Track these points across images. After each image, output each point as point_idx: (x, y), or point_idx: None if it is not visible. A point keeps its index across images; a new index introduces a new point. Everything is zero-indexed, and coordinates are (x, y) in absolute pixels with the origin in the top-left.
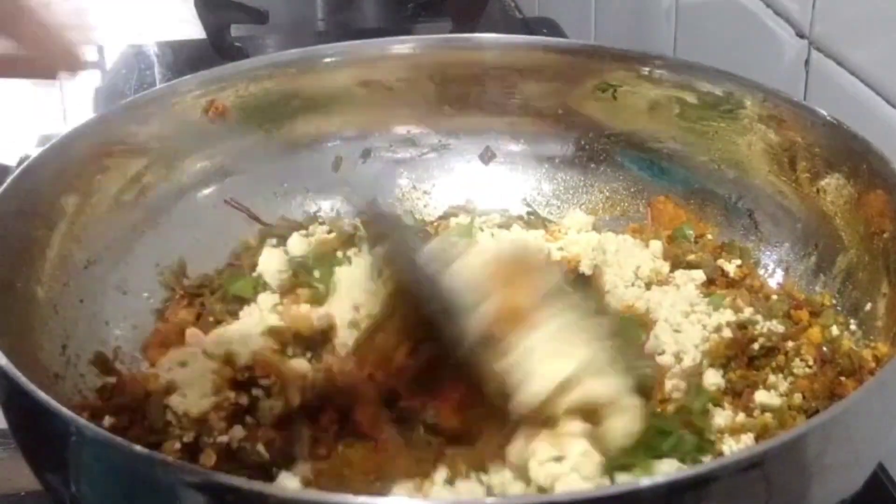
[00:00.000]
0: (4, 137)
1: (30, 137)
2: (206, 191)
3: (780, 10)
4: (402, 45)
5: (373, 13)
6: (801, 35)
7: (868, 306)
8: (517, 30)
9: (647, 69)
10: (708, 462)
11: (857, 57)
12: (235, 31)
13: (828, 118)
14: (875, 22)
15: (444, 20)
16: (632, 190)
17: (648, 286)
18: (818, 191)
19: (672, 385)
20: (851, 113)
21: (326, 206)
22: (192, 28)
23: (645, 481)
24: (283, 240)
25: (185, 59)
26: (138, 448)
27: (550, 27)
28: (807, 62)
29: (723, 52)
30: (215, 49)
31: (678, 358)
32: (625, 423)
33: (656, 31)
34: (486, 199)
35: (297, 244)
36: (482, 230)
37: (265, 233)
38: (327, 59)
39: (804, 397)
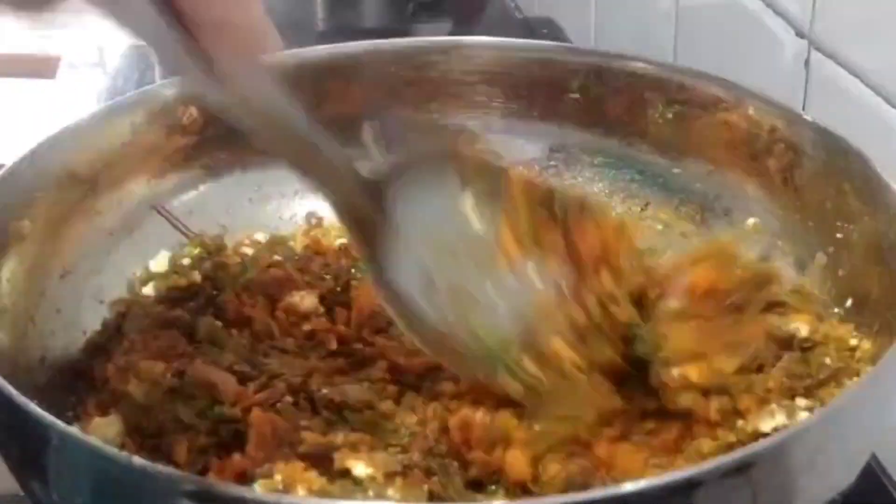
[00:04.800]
0: (4, 137)
1: (30, 137)
2: (183, 197)
3: (780, 10)
4: (383, 48)
5: (373, 13)
6: (801, 35)
7: (849, 302)
8: (517, 29)
9: (624, 70)
10: (692, 467)
11: (857, 57)
12: None
13: (805, 117)
14: (875, 22)
15: (444, 20)
16: (607, 192)
17: None
18: (796, 189)
19: None
20: (851, 113)
21: (301, 212)
22: None
23: (628, 486)
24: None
25: None
26: (120, 454)
27: (550, 27)
28: (807, 62)
29: (722, 52)
30: None
31: None
32: None
33: (656, 30)
34: None
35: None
36: None
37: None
38: (309, 62)
39: None
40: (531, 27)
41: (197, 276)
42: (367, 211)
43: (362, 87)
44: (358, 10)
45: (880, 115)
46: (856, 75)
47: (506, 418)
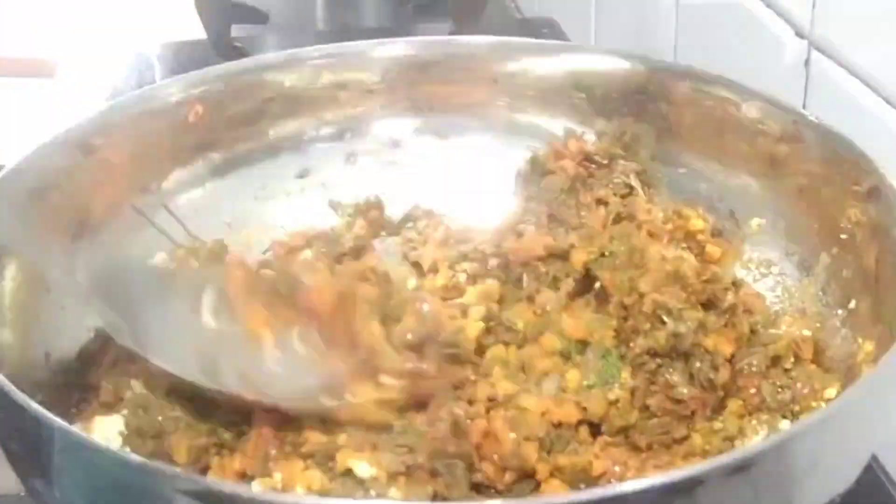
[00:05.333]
0: (4, 137)
1: (30, 137)
2: (187, 195)
3: (780, 10)
4: (387, 47)
5: (373, 13)
6: (801, 35)
7: (852, 304)
8: (517, 30)
9: (628, 69)
10: (695, 466)
11: (857, 57)
12: (235, 31)
13: (810, 117)
14: (875, 22)
15: (444, 20)
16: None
17: None
18: (800, 190)
19: None
20: (851, 113)
21: (306, 210)
22: (192, 28)
23: (630, 485)
24: None
25: (185, 59)
26: (122, 453)
27: (550, 27)
28: (807, 62)
29: (722, 52)
30: (215, 49)
31: None
32: None
33: (656, 31)
34: (465, 202)
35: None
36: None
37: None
38: (311, 62)
39: None
40: (531, 27)
41: None
42: None
43: (363, 86)
44: (358, 10)
45: (880, 115)
46: (856, 75)
47: (531, 449)
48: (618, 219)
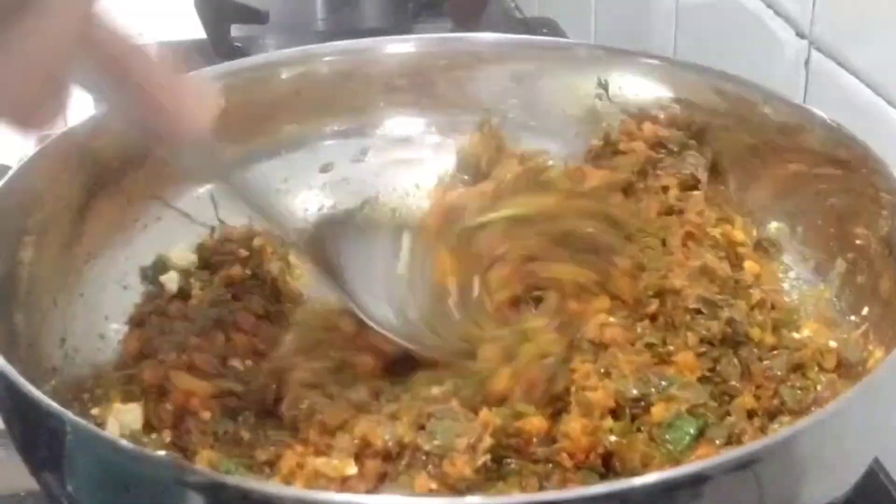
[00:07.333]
0: (4, 137)
1: (29, 138)
2: (212, 186)
3: (780, 10)
4: (398, 45)
5: (373, 13)
6: (801, 35)
7: (865, 310)
8: (517, 30)
9: (645, 68)
10: (700, 462)
11: (857, 57)
12: (235, 31)
13: (827, 120)
14: (875, 22)
15: (444, 20)
16: None
17: None
18: (817, 193)
19: None
20: (851, 113)
21: (329, 204)
22: (192, 28)
23: (637, 480)
24: None
25: (185, 59)
26: (133, 446)
27: (550, 27)
28: (807, 62)
29: (722, 52)
30: (215, 49)
31: None
32: None
33: (656, 31)
34: None
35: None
36: None
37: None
38: (323, 58)
39: None
40: (531, 27)
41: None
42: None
43: (369, 84)
44: (358, 10)
45: (880, 115)
46: (856, 75)
47: None
48: (670, 211)
